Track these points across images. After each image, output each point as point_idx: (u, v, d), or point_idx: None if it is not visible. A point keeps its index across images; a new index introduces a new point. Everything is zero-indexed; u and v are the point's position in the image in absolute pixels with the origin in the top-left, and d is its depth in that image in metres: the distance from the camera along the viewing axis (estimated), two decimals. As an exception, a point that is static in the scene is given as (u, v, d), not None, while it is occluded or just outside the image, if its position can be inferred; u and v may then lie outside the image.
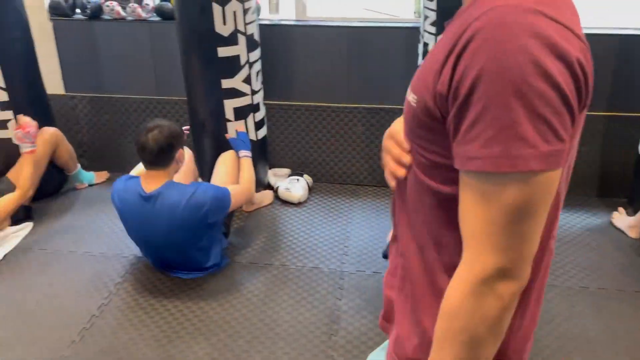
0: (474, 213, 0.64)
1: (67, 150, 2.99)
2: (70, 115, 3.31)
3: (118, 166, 3.25)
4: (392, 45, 2.99)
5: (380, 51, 3.00)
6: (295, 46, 3.07)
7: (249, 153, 2.65)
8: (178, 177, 2.38)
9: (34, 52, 2.90)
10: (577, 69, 0.62)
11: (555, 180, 0.64)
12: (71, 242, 2.66)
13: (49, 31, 3.14)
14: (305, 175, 3.18)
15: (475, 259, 0.64)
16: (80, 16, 3.17)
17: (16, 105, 2.79)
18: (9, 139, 2.80)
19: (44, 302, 2.25)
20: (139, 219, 2.24)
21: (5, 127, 2.80)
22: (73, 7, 3.15)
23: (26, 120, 2.72)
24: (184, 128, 2.62)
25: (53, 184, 3.03)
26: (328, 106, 3.15)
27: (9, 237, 2.66)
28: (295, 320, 2.17)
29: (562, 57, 0.61)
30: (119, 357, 1.97)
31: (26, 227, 2.75)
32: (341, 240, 2.71)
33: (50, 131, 2.88)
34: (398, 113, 3.37)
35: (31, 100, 2.88)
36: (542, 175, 0.61)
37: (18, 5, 2.75)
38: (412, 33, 2.88)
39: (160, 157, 2.19)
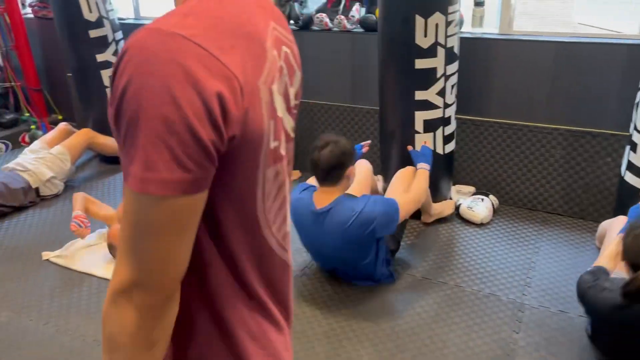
0: (121, 226, 0.64)
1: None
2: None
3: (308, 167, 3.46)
4: (609, 63, 2.69)
5: (592, 69, 2.72)
6: (496, 61, 2.94)
7: (427, 166, 2.60)
8: (353, 189, 2.43)
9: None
10: (212, 101, 0.58)
11: (188, 205, 0.62)
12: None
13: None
14: (491, 196, 3.03)
15: (117, 269, 0.65)
16: (293, 27, 3.46)
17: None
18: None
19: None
20: (310, 232, 2.35)
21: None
22: (288, 18, 3.45)
23: None
24: (364, 143, 2.69)
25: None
26: (525, 125, 2.96)
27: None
28: (465, 345, 2.07)
29: (196, 87, 0.58)
30: (290, 345, 2.10)
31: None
32: (524, 269, 2.52)
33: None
34: (609, 138, 3.04)
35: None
36: (169, 200, 0.60)
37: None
38: (635, 51, 2.56)
39: (331, 174, 2.22)
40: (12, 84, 4.34)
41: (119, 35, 3.67)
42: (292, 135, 0.83)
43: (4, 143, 4.11)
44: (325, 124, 3.49)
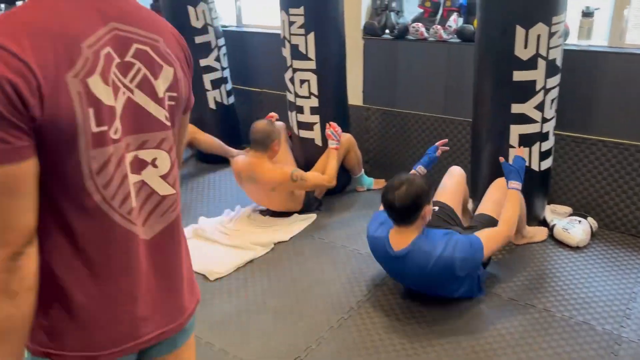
0: None
1: (356, 155, 3.32)
2: (363, 125, 3.65)
3: (396, 176, 3.45)
4: None
5: None
6: (604, 75, 2.76)
7: (519, 185, 2.43)
8: (445, 197, 2.40)
9: (345, 66, 3.29)
10: (6, 88, 0.75)
11: (12, 172, 0.77)
12: (344, 237, 2.93)
13: (360, 49, 3.52)
14: (590, 218, 2.85)
15: None
16: (388, 36, 3.47)
17: (322, 111, 3.22)
18: (313, 139, 3.26)
19: (314, 285, 2.54)
20: (391, 270, 2.34)
21: (311, 129, 3.26)
22: (384, 27, 3.46)
23: (335, 124, 3.15)
24: (438, 144, 2.67)
25: (340, 184, 3.38)
26: (633, 145, 2.75)
27: (297, 223, 3.08)
28: (551, 373, 1.96)
29: None
30: (366, 353, 2.09)
31: (311, 217, 3.14)
32: (624, 300, 2.34)
33: (346, 136, 3.23)
34: None
35: (335, 107, 3.28)
36: None
37: (340, 24, 3.16)
38: None
39: (406, 215, 2.15)
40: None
41: (222, 41, 3.88)
42: (168, 123, 0.96)
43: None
44: (415, 134, 3.46)
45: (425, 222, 2.21)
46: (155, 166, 0.96)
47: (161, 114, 0.95)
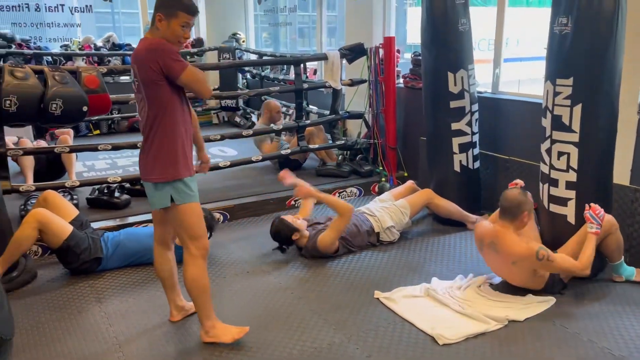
0: None
1: (616, 240, 2.98)
2: (629, 208, 3.27)
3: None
4: None
5: None
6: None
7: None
8: None
9: (614, 142, 3.01)
10: None
11: None
12: (592, 331, 2.62)
13: (633, 124, 3.21)
14: None
15: None
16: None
17: (580, 187, 2.99)
18: (565, 216, 3.04)
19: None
20: None
21: (565, 205, 3.05)
22: None
23: (597, 206, 2.89)
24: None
25: (594, 268, 3.02)
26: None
27: (533, 305, 2.86)
28: None
29: None
30: None
31: (549, 300, 2.88)
32: None
33: (607, 217, 2.91)
34: None
35: (596, 185, 3.02)
36: None
37: (613, 98, 2.93)
38: None
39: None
40: (375, 141, 5.09)
41: (475, 107, 3.94)
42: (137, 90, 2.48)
43: (358, 189, 4.84)
44: None
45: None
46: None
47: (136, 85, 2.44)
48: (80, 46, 6.89)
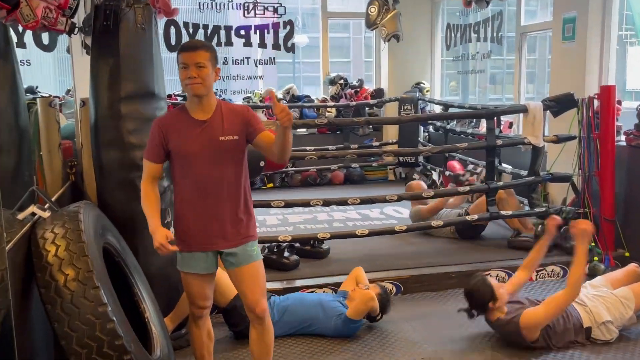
0: None
1: None
2: None
3: None
4: None
5: None
6: None
7: None
8: None
9: None
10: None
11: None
12: None
13: None
14: None
15: None
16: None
17: None
18: None
19: None
20: None
21: None
22: None
23: None
24: None
25: None
26: None
27: None
28: None
29: None
30: None
31: None
32: None
33: None
34: None
35: None
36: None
37: None
38: None
39: None
40: (586, 210, 4.40)
41: None
42: None
43: (562, 268, 4.18)
44: None
45: None
46: None
47: None
48: (261, 98, 7.29)
